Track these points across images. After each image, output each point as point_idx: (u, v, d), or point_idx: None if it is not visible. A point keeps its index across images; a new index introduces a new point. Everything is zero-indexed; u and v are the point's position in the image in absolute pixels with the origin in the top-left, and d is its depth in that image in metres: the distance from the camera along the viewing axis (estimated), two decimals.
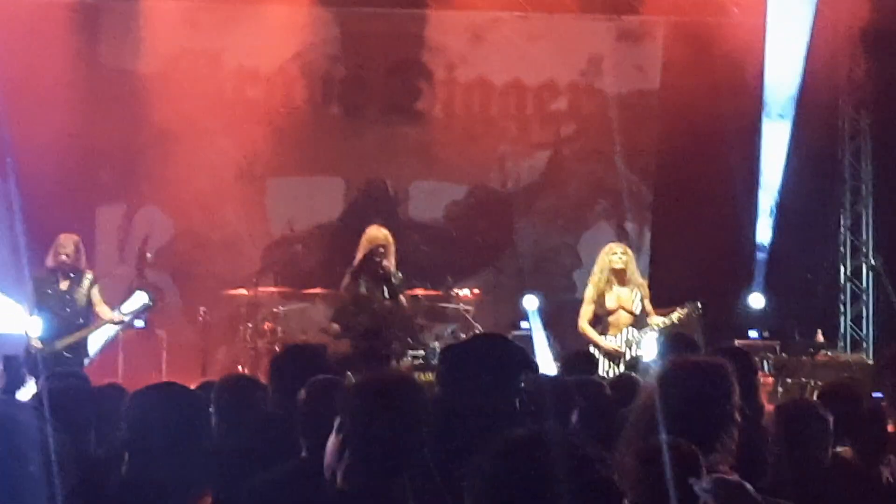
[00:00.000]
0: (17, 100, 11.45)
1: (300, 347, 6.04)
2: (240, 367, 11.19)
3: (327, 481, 3.30)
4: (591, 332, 9.59)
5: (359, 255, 9.66)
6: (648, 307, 9.67)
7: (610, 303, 9.61)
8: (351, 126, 13.49)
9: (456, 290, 11.92)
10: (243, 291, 11.80)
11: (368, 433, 3.19)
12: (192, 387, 5.44)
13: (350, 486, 3.20)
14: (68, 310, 9.79)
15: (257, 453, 4.40)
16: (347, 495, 3.21)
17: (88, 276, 9.95)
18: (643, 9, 13.32)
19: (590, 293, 9.74)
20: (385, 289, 9.57)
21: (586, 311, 9.70)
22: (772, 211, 12.90)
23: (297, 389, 4.58)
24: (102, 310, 9.98)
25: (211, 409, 4.87)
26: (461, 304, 11.65)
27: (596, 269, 9.79)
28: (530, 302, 11.73)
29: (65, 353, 9.57)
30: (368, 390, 3.39)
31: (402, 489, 3.17)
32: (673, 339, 8.21)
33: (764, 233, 13.08)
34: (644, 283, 9.91)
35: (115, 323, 10.04)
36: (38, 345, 9.47)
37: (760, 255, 12.97)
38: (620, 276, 9.65)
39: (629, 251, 10.02)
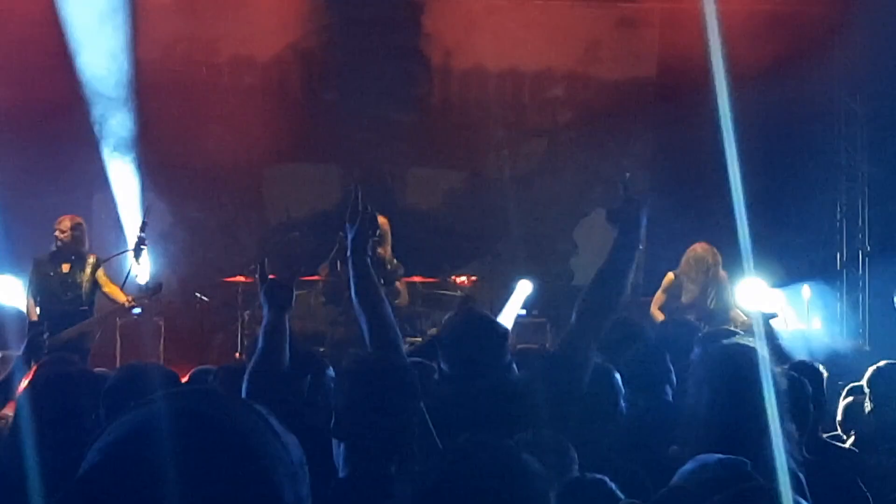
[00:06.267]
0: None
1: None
2: (237, 355, 11.20)
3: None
4: (662, 317, 9.43)
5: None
6: (730, 302, 9.53)
7: (686, 297, 9.52)
8: (347, 113, 13.46)
9: (453, 277, 11.93)
10: (241, 279, 11.79)
11: (362, 419, 3.21)
12: (187, 375, 5.46)
13: (349, 473, 3.22)
14: (70, 294, 9.50)
15: None
16: (348, 482, 3.22)
17: (91, 259, 9.66)
18: None
19: (669, 281, 9.64)
20: (380, 276, 9.52)
21: (659, 298, 9.66)
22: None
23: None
24: (112, 290, 9.63)
25: None
26: (459, 291, 11.64)
27: (689, 268, 9.56)
28: (524, 286, 11.67)
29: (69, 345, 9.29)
30: (360, 376, 3.39)
31: (401, 473, 3.17)
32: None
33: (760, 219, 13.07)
34: (724, 275, 9.67)
35: (127, 308, 9.59)
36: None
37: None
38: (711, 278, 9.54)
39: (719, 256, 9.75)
